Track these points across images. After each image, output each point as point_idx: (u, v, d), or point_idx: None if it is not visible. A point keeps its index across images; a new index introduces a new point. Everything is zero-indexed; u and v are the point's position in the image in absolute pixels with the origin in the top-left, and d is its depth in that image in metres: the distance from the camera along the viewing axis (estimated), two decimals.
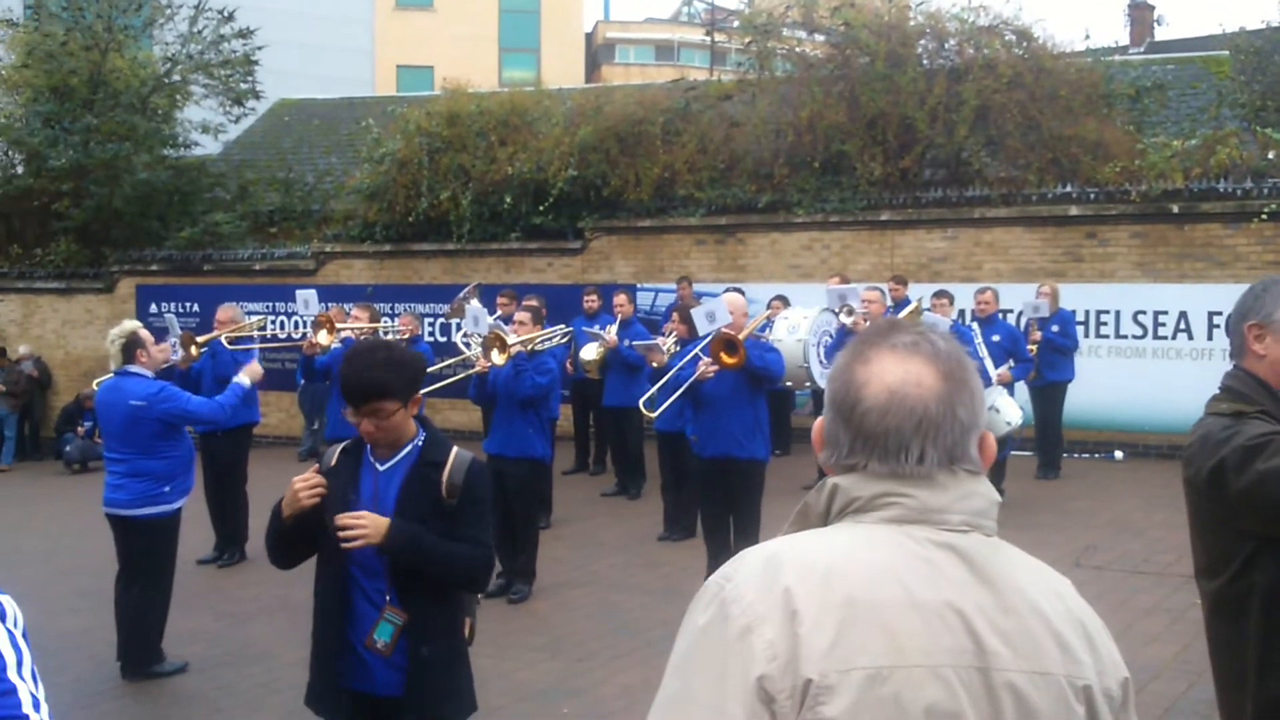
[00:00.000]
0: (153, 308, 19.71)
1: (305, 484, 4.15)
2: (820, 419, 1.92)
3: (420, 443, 4.33)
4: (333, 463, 4.37)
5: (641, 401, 9.50)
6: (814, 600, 1.65)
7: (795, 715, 1.61)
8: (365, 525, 4.04)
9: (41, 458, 20.12)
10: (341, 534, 4.03)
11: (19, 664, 1.79)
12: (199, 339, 10.98)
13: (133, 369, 7.82)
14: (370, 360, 4.23)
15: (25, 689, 1.77)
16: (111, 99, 21.24)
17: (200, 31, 22.44)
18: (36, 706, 1.77)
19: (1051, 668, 1.71)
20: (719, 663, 1.65)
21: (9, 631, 1.81)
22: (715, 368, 8.42)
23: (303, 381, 16.84)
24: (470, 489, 4.30)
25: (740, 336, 8.47)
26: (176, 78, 22.72)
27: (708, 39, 38.06)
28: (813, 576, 1.68)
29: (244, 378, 8.71)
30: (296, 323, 18.13)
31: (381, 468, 4.30)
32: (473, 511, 4.32)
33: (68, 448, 18.69)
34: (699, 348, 8.75)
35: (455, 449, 4.39)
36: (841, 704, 1.60)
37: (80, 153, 20.30)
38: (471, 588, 4.51)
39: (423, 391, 4.38)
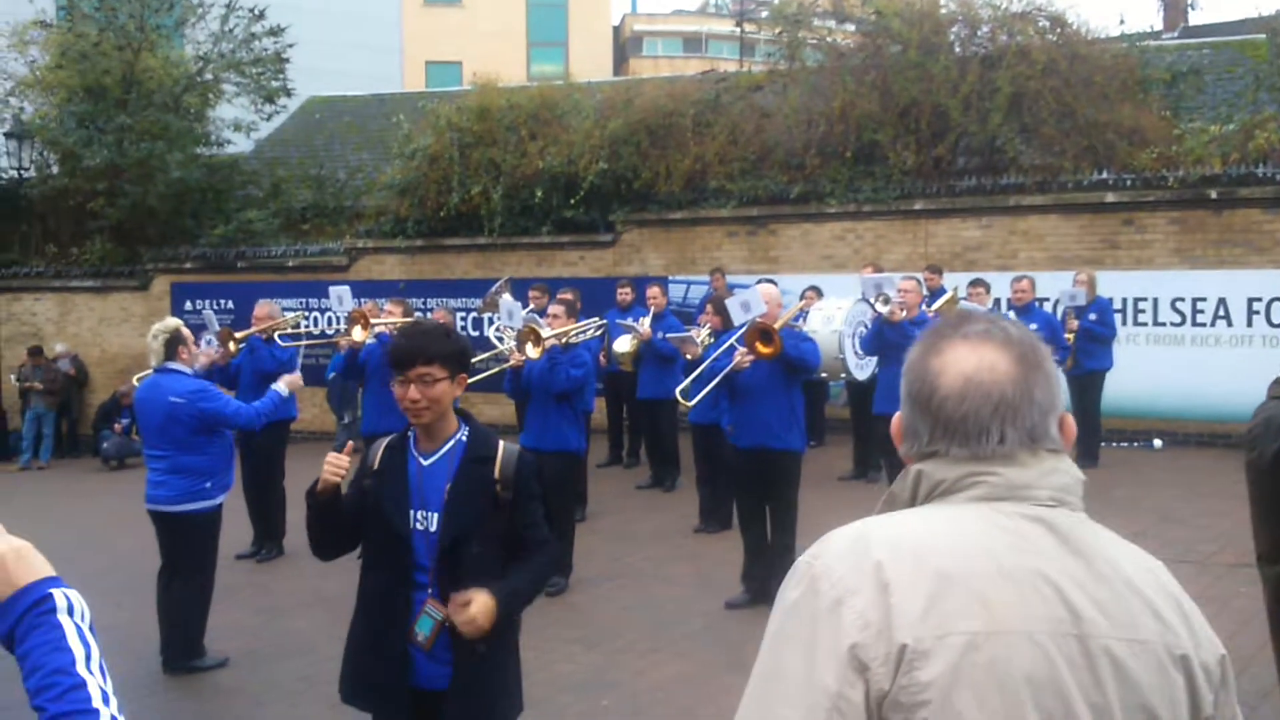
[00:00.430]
0: (188, 305, 19.82)
1: (331, 464, 4.20)
2: (897, 414, 1.95)
3: (464, 437, 4.31)
4: (376, 462, 4.37)
5: (678, 390, 9.47)
6: (905, 571, 1.68)
7: (890, 681, 1.63)
8: (475, 616, 4.00)
9: (79, 455, 20.29)
10: (461, 628, 4.03)
11: (87, 658, 1.79)
12: (237, 335, 11.04)
13: (173, 365, 7.85)
14: (424, 329, 4.41)
15: (95, 683, 1.77)
16: (145, 98, 21.34)
17: (232, 30, 22.51)
18: (106, 700, 1.77)
19: (1148, 635, 1.71)
20: (809, 635, 1.68)
21: (77, 625, 1.81)
22: (751, 357, 8.40)
23: (331, 375, 16.92)
24: (523, 480, 4.32)
25: (776, 326, 8.44)
26: (209, 76, 22.81)
27: (736, 30, 37.96)
28: (903, 550, 1.70)
29: (282, 386, 8.72)
30: (330, 319, 18.20)
31: (425, 462, 4.27)
32: (530, 503, 4.35)
33: (105, 444, 18.83)
34: (734, 338, 8.72)
35: (502, 442, 4.40)
36: (937, 668, 1.62)
37: (114, 152, 20.41)
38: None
39: (465, 379, 4.35)
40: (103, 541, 12.23)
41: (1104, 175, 15.58)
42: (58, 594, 1.82)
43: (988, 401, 1.81)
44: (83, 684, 1.75)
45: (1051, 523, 1.76)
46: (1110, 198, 15.42)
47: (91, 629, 1.84)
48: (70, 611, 1.82)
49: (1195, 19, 29.50)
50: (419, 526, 4.20)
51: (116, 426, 18.79)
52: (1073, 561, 1.73)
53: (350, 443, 4.41)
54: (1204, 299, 14.76)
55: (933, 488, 1.83)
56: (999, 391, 1.81)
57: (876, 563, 1.69)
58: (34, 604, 1.79)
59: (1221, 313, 14.67)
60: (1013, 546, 1.72)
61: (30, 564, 1.84)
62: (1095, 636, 1.68)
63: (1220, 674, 1.77)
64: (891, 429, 1.97)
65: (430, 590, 4.18)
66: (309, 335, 16.63)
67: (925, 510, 1.82)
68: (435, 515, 4.19)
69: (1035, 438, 1.82)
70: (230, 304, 19.32)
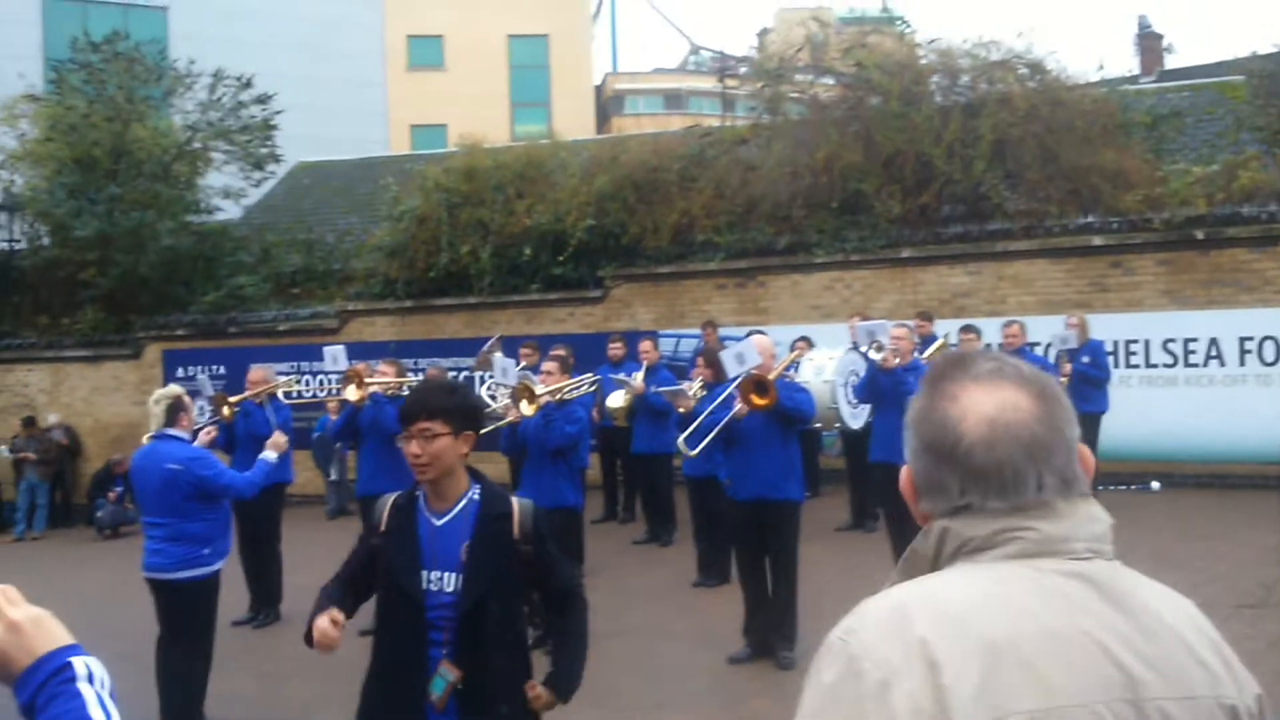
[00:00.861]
0: (180, 371, 19.79)
1: (321, 635, 4.06)
2: (906, 469, 1.84)
3: (477, 496, 4.28)
4: (383, 523, 4.33)
5: (681, 440, 9.40)
6: (952, 647, 1.57)
7: None
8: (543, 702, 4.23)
9: (73, 524, 20.15)
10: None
11: None
12: (231, 399, 11.03)
13: (172, 432, 7.84)
14: (434, 385, 4.50)
15: None
16: (134, 168, 21.42)
17: (219, 99, 22.64)
18: None
19: (1199, 690, 1.64)
20: None
21: (97, 693, 1.81)
22: (747, 408, 8.42)
23: (316, 435, 16.89)
24: (541, 533, 4.32)
25: (770, 377, 8.46)
26: (197, 145, 22.89)
27: (717, 86, 38.14)
28: (946, 622, 1.59)
29: (270, 453, 8.62)
30: (322, 381, 18.20)
31: (438, 522, 4.23)
32: (550, 555, 4.36)
33: (99, 514, 18.74)
34: (730, 388, 8.73)
35: (515, 497, 4.41)
36: None
37: (105, 222, 20.43)
38: None
39: (474, 436, 4.31)
40: (101, 610, 12.13)
41: (1090, 219, 15.69)
42: (77, 662, 1.82)
43: (1019, 445, 1.70)
44: None
45: (1093, 578, 1.68)
46: (1097, 241, 15.53)
47: (112, 695, 1.84)
48: (90, 679, 1.81)
49: (1171, 63, 29.79)
50: (432, 587, 4.16)
51: (111, 495, 18.72)
52: (1118, 618, 1.65)
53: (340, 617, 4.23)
54: (1195, 339, 14.83)
55: (959, 546, 1.72)
56: (1029, 433, 1.71)
57: (921, 639, 1.57)
58: (54, 672, 1.79)
59: (1214, 353, 14.74)
60: (1057, 609, 1.62)
61: (50, 632, 1.84)
62: (1149, 700, 1.59)
63: (1258, 712, 1.71)
64: (902, 486, 1.85)
65: (445, 650, 4.15)
66: (301, 397, 16.66)
67: (958, 573, 1.70)
68: (450, 576, 4.15)
69: (1068, 480, 1.72)
70: (223, 369, 19.29)
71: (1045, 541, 1.69)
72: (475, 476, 4.35)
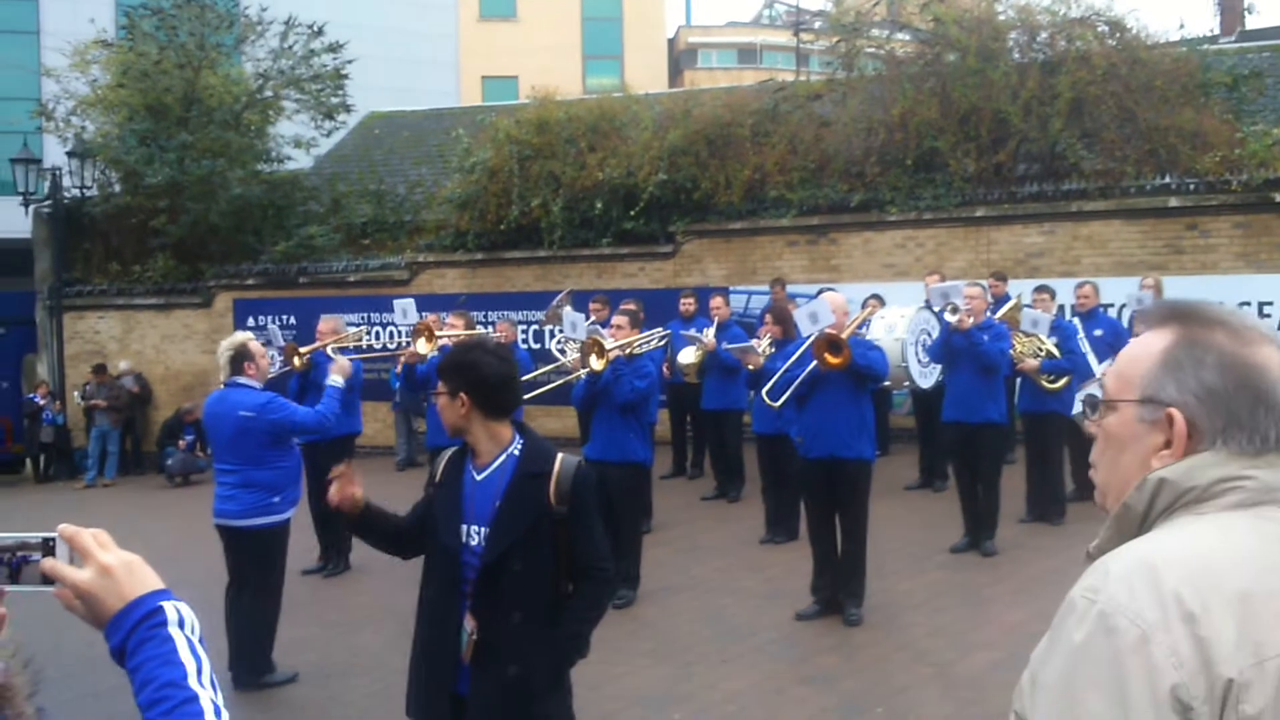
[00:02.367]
0: (250, 321, 19.94)
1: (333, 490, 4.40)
2: (1174, 411, 1.79)
3: (517, 453, 4.30)
4: (439, 474, 4.42)
5: (765, 391, 9.29)
6: (1207, 600, 1.58)
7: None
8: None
9: (144, 472, 20.48)
10: None
11: (199, 671, 1.77)
12: (301, 350, 11.08)
13: (241, 380, 7.87)
14: (457, 347, 4.51)
15: (206, 696, 1.75)
16: (205, 116, 21.55)
17: (291, 47, 22.68)
18: (219, 714, 1.75)
19: None
20: (1115, 679, 1.57)
21: (188, 638, 1.80)
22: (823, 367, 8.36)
23: (397, 387, 16.93)
24: (579, 495, 4.29)
25: (843, 336, 8.38)
26: (268, 93, 23.01)
27: (791, 41, 37.91)
28: (1197, 575, 1.61)
29: (335, 377, 8.60)
30: (392, 333, 18.29)
31: (479, 476, 4.29)
32: (587, 518, 4.32)
33: (169, 461, 19.01)
34: (804, 347, 8.65)
35: (560, 455, 4.37)
36: (1262, 699, 1.55)
37: (176, 170, 20.57)
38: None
39: (473, 397, 4.26)
40: (171, 557, 12.24)
41: (1166, 180, 15.41)
42: (168, 607, 1.81)
43: None
44: (195, 697, 1.74)
45: None
46: (1173, 202, 15.26)
47: (201, 642, 1.82)
48: (181, 624, 1.80)
49: (1252, 23, 29.18)
50: (471, 541, 4.22)
51: (180, 443, 18.96)
52: None
53: (345, 465, 4.48)
54: (1270, 302, 14.54)
55: (1175, 498, 1.73)
56: None
57: (1175, 593, 1.58)
58: (144, 616, 1.78)
59: None
60: None
61: (141, 577, 1.83)
62: None
63: None
64: (1176, 430, 1.78)
65: (468, 603, 4.20)
66: (371, 349, 16.73)
67: (1190, 525, 1.71)
68: (483, 530, 4.20)
69: None
70: (293, 319, 19.44)
71: (1265, 490, 1.71)
72: (521, 431, 4.37)
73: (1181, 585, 1.58)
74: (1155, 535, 1.73)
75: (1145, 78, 16.08)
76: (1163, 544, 1.69)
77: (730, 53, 50.07)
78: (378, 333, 18.88)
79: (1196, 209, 15.17)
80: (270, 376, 8.80)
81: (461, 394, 4.23)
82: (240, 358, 7.89)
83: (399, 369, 13.35)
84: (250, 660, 7.94)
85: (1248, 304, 14.51)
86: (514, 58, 36.27)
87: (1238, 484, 1.70)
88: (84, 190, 22.16)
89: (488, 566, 4.15)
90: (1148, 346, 1.86)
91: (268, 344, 11.72)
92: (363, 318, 18.77)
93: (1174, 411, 1.78)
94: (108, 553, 1.82)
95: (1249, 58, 18.44)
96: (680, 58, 47.98)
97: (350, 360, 10.06)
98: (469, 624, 4.16)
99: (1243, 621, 1.56)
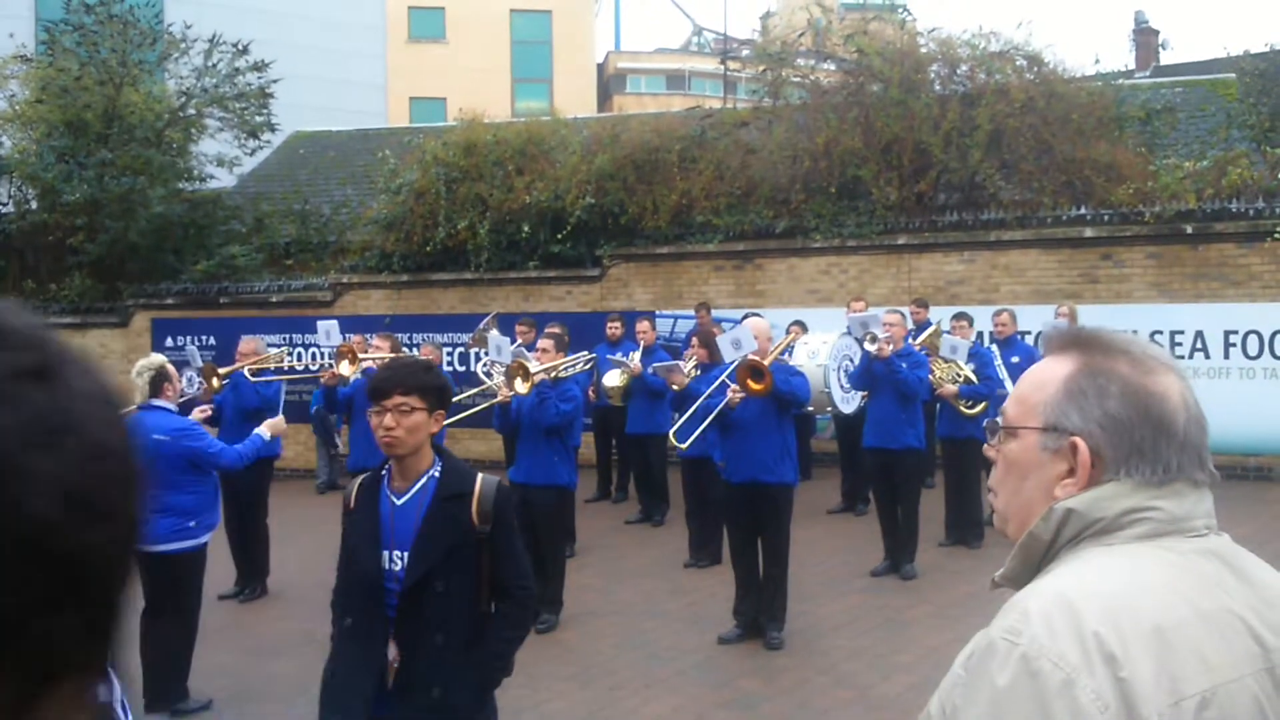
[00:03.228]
0: (169, 341, 19.66)
1: None
2: (1078, 440, 1.78)
3: (437, 474, 4.31)
4: (352, 502, 4.41)
5: (671, 433, 9.41)
6: (1126, 638, 1.57)
7: None
8: None
9: None
10: None
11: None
12: (220, 371, 10.96)
13: (158, 403, 7.76)
14: (405, 362, 4.48)
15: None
16: (126, 133, 21.19)
17: (215, 65, 22.38)
18: None
19: None
20: None
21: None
22: (742, 395, 8.41)
23: (314, 409, 16.79)
24: (501, 514, 4.31)
25: (766, 362, 8.44)
26: (191, 111, 22.69)
27: (719, 68, 38.15)
28: (1115, 613, 1.60)
29: (265, 430, 8.49)
30: (315, 354, 18.12)
31: (398, 501, 4.28)
32: (508, 536, 4.34)
33: None
34: (725, 374, 8.71)
35: (481, 475, 4.38)
36: None
37: (95, 187, 20.21)
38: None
39: (446, 420, 4.37)
40: None
41: (1082, 211, 15.71)
42: None
43: (1200, 428, 1.77)
44: None
45: (1216, 552, 1.72)
46: (1089, 232, 15.55)
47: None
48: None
49: (1166, 59, 29.87)
50: (393, 567, 4.20)
51: None
52: (1246, 590, 1.68)
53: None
54: (1181, 332, 14.89)
55: (1082, 528, 1.73)
56: (1203, 418, 1.78)
57: (1095, 633, 1.57)
58: None
59: (1199, 345, 14.80)
60: (1199, 588, 1.65)
61: None
62: None
63: None
64: (1081, 459, 1.77)
65: (391, 629, 4.19)
66: (293, 371, 16.56)
67: (1100, 559, 1.70)
68: (406, 555, 4.19)
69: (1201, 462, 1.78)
70: (212, 340, 19.17)
71: (1170, 521, 1.72)
72: (440, 455, 4.37)
73: (1100, 625, 1.57)
74: (1069, 569, 1.72)
75: (1062, 111, 16.38)
76: (1078, 580, 1.67)
77: (659, 79, 50.38)
78: (300, 354, 18.69)
79: (1111, 239, 15.46)
80: (184, 399, 8.71)
81: (439, 412, 4.27)
82: (159, 379, 7.78)
83: (320, 390, 13.25)
84: (164, 687, 7.80)
85: (1160, 333, 14.85)
86: (443, 79, 36.27)
87: (1145, 515, 1.71)
88: None
89: (409, 590, 4.14)
90: (1050, 373, 1.86)
91: (185, 365, 11.61)
92: (285, 339, 18.59)
93: (1079, 440, 1.77)
94: None
95: (1162, 93, 18.91)
96: (609, 83, 48.19)
97: (277, 384, 10.01)
98: (392, 652, 4.14)
99: (1159, 658, 1.56)
